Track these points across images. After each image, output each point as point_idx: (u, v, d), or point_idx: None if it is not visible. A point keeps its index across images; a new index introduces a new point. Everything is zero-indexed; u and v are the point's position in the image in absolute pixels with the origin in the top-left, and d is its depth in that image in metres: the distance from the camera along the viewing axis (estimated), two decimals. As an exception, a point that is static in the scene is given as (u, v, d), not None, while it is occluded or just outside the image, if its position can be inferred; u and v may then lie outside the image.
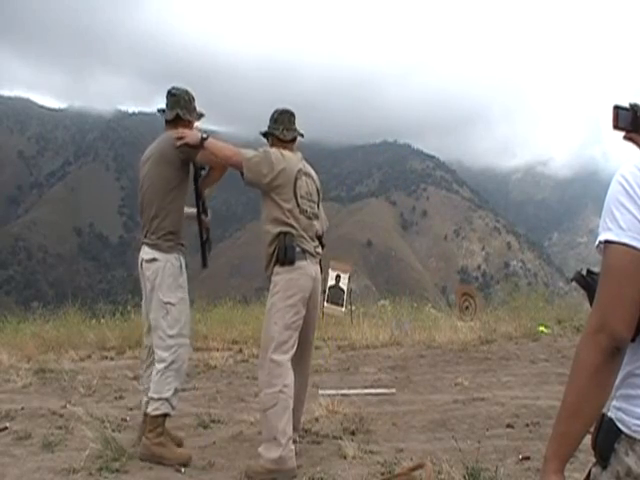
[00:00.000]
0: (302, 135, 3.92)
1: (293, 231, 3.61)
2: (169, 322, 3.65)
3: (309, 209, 3.74)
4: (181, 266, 3.77)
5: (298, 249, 3.60)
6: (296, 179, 3.69)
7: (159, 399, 3.61)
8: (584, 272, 1.32)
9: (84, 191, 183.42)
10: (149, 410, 3.65)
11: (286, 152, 3.76)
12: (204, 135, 3.72)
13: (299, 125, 3.94)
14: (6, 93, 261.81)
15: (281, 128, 3.82)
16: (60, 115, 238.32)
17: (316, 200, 3.84)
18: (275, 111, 3.87)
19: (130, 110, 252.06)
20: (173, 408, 3.71)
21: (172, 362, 3.63)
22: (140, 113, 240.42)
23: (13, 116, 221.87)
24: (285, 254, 3.56)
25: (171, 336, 3.64)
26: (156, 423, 3.63)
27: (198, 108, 3.94)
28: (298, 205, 3.67)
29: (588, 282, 1.30)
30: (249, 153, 3.70)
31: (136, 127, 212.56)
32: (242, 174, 3.69)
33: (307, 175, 3.81)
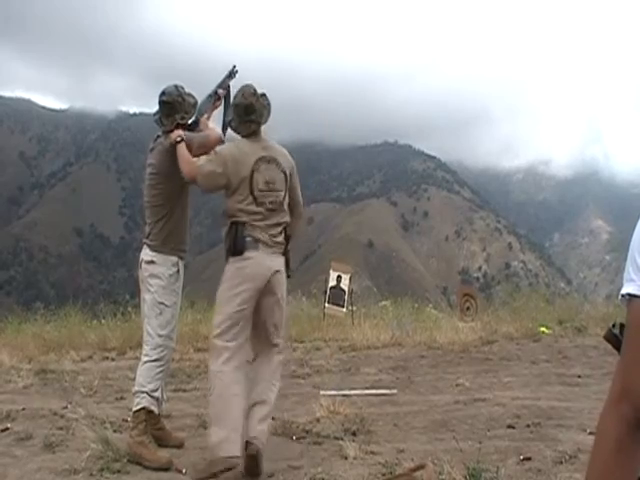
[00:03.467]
0: (258, 123, 3.61)
1: (245, 219, 3.50)
2: (161, 322, 3.70)
3: (270, 199, 3.56)
4: (178, 272, 3.81)
5: (249, 238, 3.50)
6: (253, 172, 3.53)
7: (139, 392, 3.66)
8: (616, 328, 1.08)
9: (85, 192, 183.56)
10: (132, 406, 3.70)
11: (243, 144, 3.63)
12: (178, 139, 3.66)
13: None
14: (7, 94, 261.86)
15: (237, 122, 3.65)
16: (61, 116, 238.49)
17: (281, 188, 3.62)
18: (234, 97, 3.68)
19: (131, 110, 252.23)
20: (158, 405, 3.72)
21: (156, 359, 3.69)
22: (141, 114, 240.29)
23: (14, 117, 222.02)
24: (235, 245, 3.50)
25: (160, 335, 3.70)
26: (138, 419, 3.65)
27: (189, 92, 3.87)
28: (255, 199, 3.53)
29: (621, 341, 1.06)
30: (201, 161, 3.58)
31: (137, 127, 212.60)
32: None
33: (270, 161, 3.60)
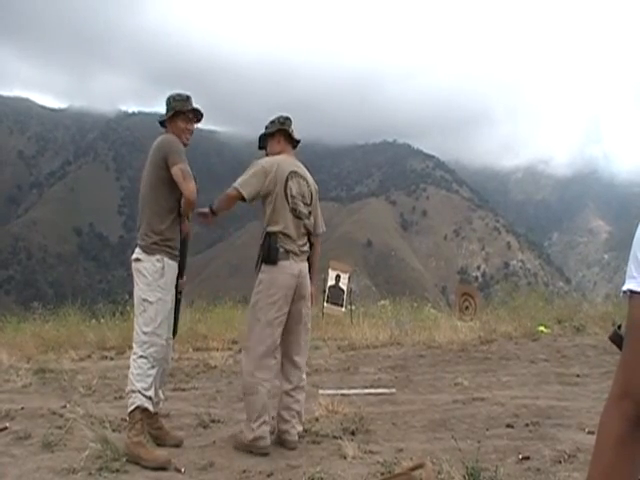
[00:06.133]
0: (298, 141, 4.20)
1: (279, 230, 3.86)
2: (145, 319, 3.73)
3: (299, 208, 3.96)
4: (163, 268, 3.80)
5: (282, 250, 3.85)
6: (287, 179, 3.92)
7: (131, 391, 3.67)
8: (622, 330, 1.05)
9: (84, 191, 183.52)
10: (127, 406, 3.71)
11: (279, 157, 4.01)
12: (211, 206, 3.93)
13: (297, 124, 4.14)
14: (6, 93, 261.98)
15: (291, 129, 4.09)
16: (60, 115, 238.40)
17: (309, 202, 4.05)
18: (280, 116, 4.11)
19: (131, 110, 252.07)
20: (153, 403, 3.72)
21: (142, 356, 3.71)
22: (140, 113, 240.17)
23: (13, 116, 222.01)
24: (269, 254, 3.84)
25: (145, 332, 3.72)
26: (134, 419, 3.65)
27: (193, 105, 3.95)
28: (288, 203, 3.90)
29: None
30: (238, 180, 3.91)
31: (136, 127, 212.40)
32: (244, 199, 3.89)
33: (301, 177, 4.02)
